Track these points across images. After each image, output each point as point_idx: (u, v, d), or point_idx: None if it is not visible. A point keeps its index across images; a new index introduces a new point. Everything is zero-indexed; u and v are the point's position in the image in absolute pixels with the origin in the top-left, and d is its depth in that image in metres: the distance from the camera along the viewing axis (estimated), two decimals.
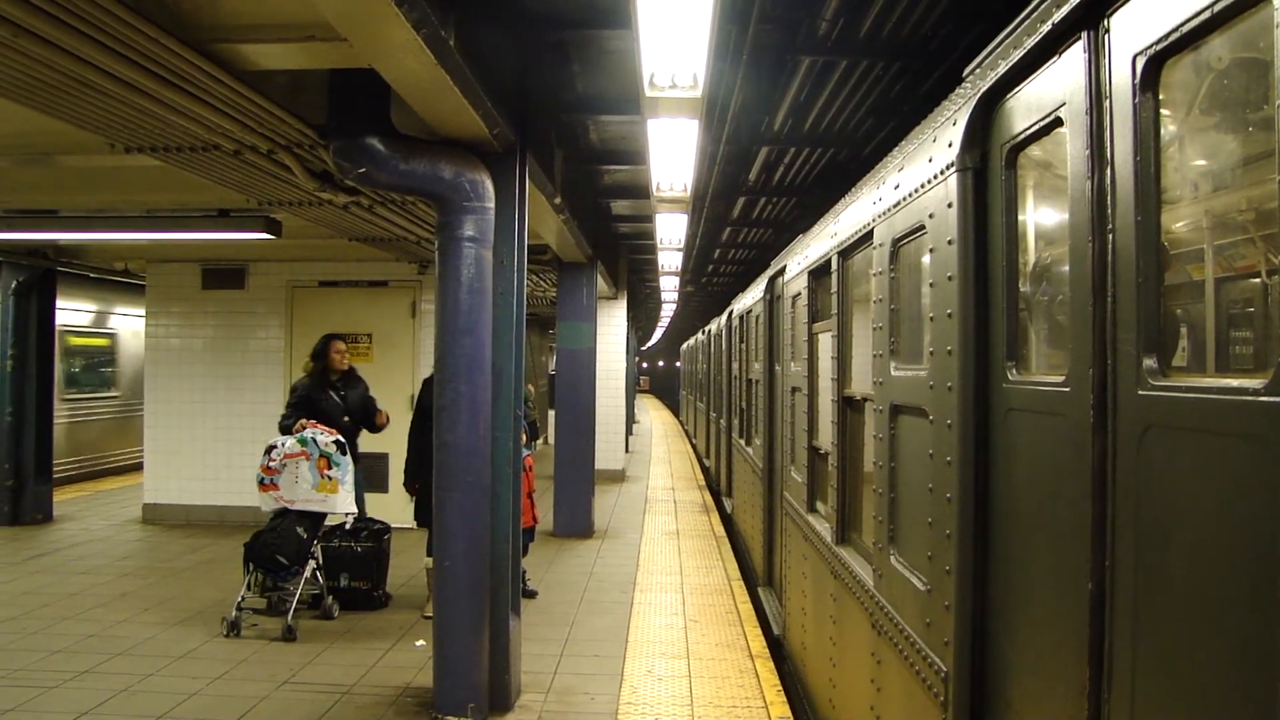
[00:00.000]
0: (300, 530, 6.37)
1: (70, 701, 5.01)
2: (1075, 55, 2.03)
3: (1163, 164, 1.77)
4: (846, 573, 4.13)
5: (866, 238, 3.79)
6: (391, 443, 8.22)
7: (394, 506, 8.52)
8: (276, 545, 6.28)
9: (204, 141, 4.98)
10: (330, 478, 6.47)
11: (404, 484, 6.89)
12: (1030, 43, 2.25)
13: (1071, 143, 2.05)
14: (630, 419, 20.72)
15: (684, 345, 33.08)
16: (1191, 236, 1.92)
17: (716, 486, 14.34)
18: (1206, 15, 1.56)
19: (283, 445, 6.54)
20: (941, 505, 2.73)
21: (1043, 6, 2.21)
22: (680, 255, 13.35)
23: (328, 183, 5.68)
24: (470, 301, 4.80)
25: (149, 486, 10.66)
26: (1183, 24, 1.62)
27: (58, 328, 11.24)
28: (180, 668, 5.59)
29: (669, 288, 18.85)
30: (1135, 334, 1.79)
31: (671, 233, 10.99)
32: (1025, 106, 2.34)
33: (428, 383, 6.78)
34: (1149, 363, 1.75)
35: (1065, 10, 2.04)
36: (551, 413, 12.29)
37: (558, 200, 6.65)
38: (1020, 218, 2.45)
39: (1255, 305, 1.81)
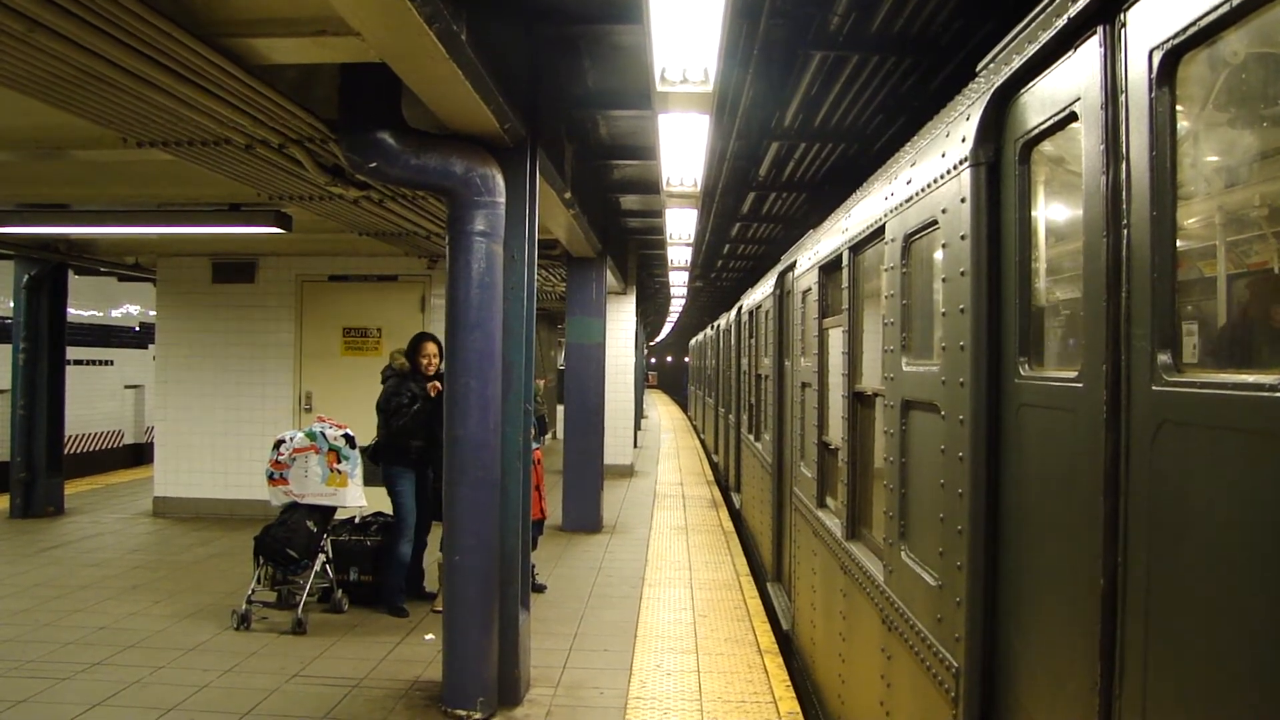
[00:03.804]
0: (310, 524, 6.40)
1: (82, 693, 5.05)
2: (1091, 50, 2.02)
3: (1178, 159, 1.76)
4: (856, 568, 4.12)
5: (878, 233, 3.78)
6: None
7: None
8: (286, 539, 6.31)
9: (215, 136, 5.00)
10: (339, 471, 6.50)
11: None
12: (1045, 37, 2.24)
13: (1086, 138, 2.03)
14: (639, 414, 20.73)
15: (692, 340, 33.07)
16: (1206, 232, 1.91)
17: (725, 482, 14.34)
18: (1224, 9, 1.54)
19: (291, 440, 6.57)
20: (953, 501, 2.72)
21: (1058, 1, 2.20)
22: (690, 250, 13.32)
23: (338, 177, 5.69)
24: (480, 296, 4.81)
25: (159, 480, 10.72)
26: (1200, 18, 1.61)
27: None
28: (190, 660, 5.62)
29: (678, 283, 18.81)
30: (1149, 329, 1.78)
31: (681, 228, 10.96)
32: (1039, 101, 2.33)
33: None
34: (1163, 358, 1.74)
35: (1081, 4, 2.03)
36: (560, 408, 12.30)
37: (568, 195, 6.65)
38: (1033, 213, 2.44)
39: (1270, 300, 1.80)
